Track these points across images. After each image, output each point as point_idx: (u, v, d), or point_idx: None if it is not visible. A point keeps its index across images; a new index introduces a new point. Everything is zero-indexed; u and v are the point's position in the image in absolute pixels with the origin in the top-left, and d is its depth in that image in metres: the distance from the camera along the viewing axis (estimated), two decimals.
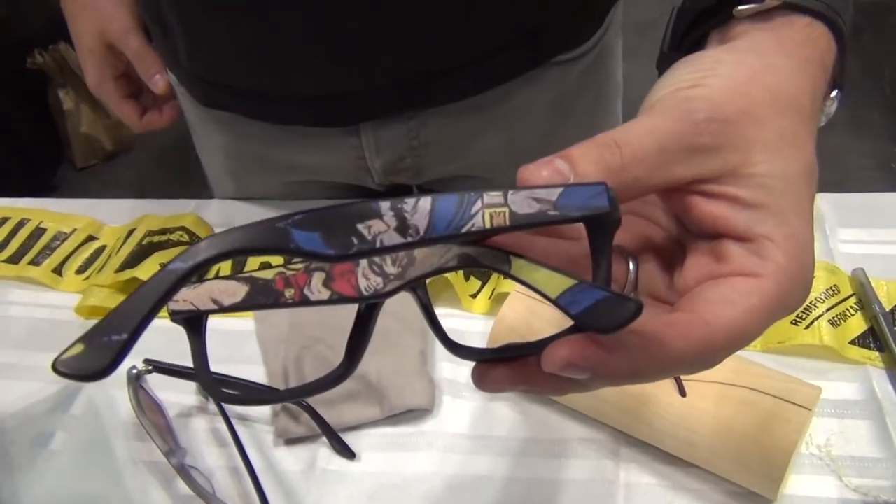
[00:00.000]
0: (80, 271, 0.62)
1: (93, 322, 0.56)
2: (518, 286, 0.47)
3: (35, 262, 0.62)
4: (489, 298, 0.54)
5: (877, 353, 0.47)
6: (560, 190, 0.22)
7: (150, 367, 0.48)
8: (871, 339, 0.48)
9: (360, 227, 0.21)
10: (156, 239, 0.59)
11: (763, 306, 0.24)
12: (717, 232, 0.26)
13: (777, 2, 0.29)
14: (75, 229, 0.65)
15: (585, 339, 0.23)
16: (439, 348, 0.51)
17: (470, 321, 0.53)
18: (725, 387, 0.40)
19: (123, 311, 0.20)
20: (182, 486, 0.46)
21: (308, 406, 0.46)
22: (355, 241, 0.21)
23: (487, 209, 0.22)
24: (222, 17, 0.51)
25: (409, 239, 0.21)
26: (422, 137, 0.57)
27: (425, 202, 0.21)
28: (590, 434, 0.45)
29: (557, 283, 0.23)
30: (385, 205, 0.21)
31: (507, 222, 0.22)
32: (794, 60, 0.28)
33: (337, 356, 0.49)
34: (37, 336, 0.57)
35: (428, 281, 0.53)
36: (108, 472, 0.48)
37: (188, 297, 0.26)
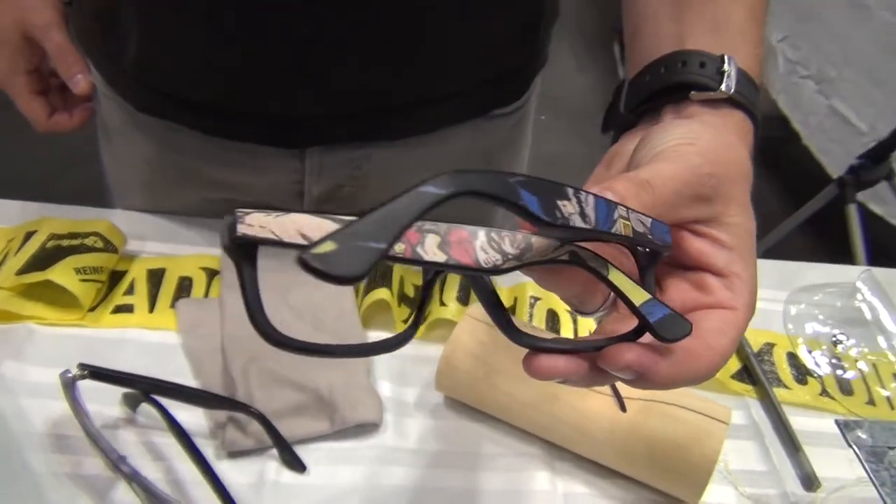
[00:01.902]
0: None
1: None
2: (470, 311, 0.51)
3: None
4: (422, 324, 0.57)
5: (751, 387, 0.56)
6: (651, 220, 0.28)
7: (86, 372, 0.45)
8: (746, 374, 0.57)
9: (560, 203, 0.23)
10: (65, 243, 0.56)
11: (737, 335, 0.30)
12: (697, 264, 0.32)
13: (724, 95, 0.36)
14: None
15: (645, 346, 0.28)
16: (380, 366, 0.53)
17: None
18: (657, 404, 0.46)
19: (375, 221, 0.19)
20: (116, 499, 0.43)
21: (263, 417, 0.46)
22: (558, 214, 0.23)
23: (621, 219, 0.26)
24: (186, 26, 0.51)
25: (587, 226, 0.24)
26: (364, 168, 0.60)
27: (590, 198, 0.25)
28: (528, 449, 0.49)
29: (639, 294, 0.28)
30: (570, 190, 0.24)
31: (630, 234, 0.26)
32: (742, 143, 0.36)
33: (288, 371, 0.49)
34: None
35: (368, 303, 0.55)
36: (24, 488, 0.44)
37: (266, 224, 0.24)
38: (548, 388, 0.47)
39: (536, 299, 0.60)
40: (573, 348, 0.29)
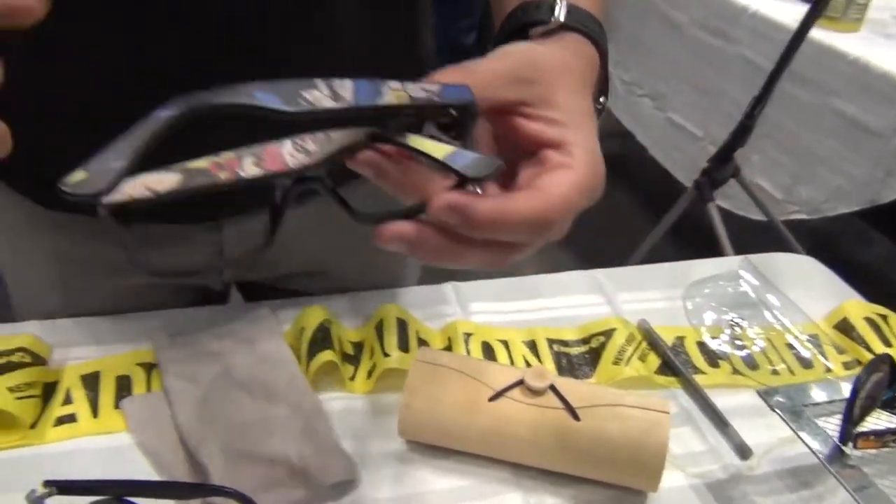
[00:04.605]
0: None
1: None
2: (419, 356, 0.54)
3: None
4: (367, 378, 0.59)
5: (674, 378, 0.62)
6: (440, 87, 0.32)
7: (53, 489, 0.43)
8: (667, 368, 0.63)
9: (305, 93, 0.27)
10: None
11: (577, 183, 0.35)
12: (538, 144, 0.36)
13: (557, 24, 0.42)
14: None
15: (461, 191, 0.31)
16: (338, 425, 0.55)
17: (356, 401, 0.57)
18: (602, 408, 0.51)
19: (115, 147, 0.24)
20: None
21: (242, 496, 0.46)
22: (302, 102, 0.27)
23: (393, 91, 0.30)
24: (87, 107, 0.50)
25: (342, 105, 0.28)
26: (283, 229, 0.61)
27: (348, 81, 0.28)
28: (496, 474, 0.52)
29: (442, 150, 0.31)
30: (318, 80, 0.28)
31: (408, 101, 0.30)
32: (580, 61, 0.41)
33: (254, 446, 0.50)
34: None
35: (315, 368, 0.58)
36: None
37: (125, 190, 0.28)
38: (507, 413, 0.51)
39: (469, 335, 0.64)
40: (408, 211, 0.32)
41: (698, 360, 0.64)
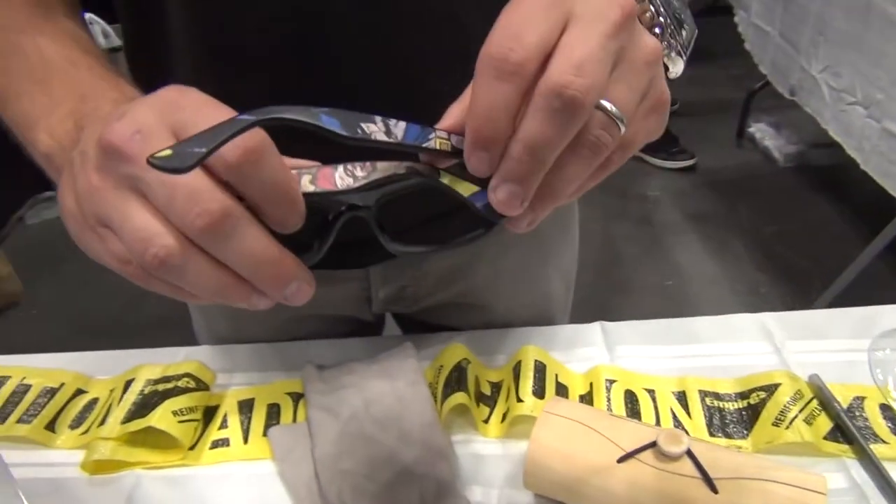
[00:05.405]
0: (73, 426, 0.60)
1: (100, 477, 0.55)
2: (548, 407, 0.52)
3: (24, 421, 0.60)
4: (501, 422, 0.58)
5: (847, 446, 0.55)
6: None
7: None
8: (840, 433, 0.56)
9: (363, 124, 0.30)
10: (160, 387, 0.60)
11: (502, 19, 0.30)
12: None
13: None
14: (63, 384, 0.64)
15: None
16: (465, 468, 0.54)
17: (487, 445, 0.57)
18: (748, 480, 0.46)
19: (202, 136, 0.27)
20: None
21: None
22: (359, 131, 0.30)
23: (438, 138, 0.33)
24: None
25: (392, 140, 0.31)
26: (424, 268, 0.63)
27: (402, 123, 0.32)
28: None
29: (469, 188, 0.35)
30: (377, 117, 0.31)
31: (449, 149, 0.33)
32: None
33: (379, 486, 0.51)
34: (40, 498, 0.54)
35: (447, 409, 0.57)
36: None
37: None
38: (637, 477, 0.47)
39: (612, 382, 0.60)
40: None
41: (879, 426, 0.56)
